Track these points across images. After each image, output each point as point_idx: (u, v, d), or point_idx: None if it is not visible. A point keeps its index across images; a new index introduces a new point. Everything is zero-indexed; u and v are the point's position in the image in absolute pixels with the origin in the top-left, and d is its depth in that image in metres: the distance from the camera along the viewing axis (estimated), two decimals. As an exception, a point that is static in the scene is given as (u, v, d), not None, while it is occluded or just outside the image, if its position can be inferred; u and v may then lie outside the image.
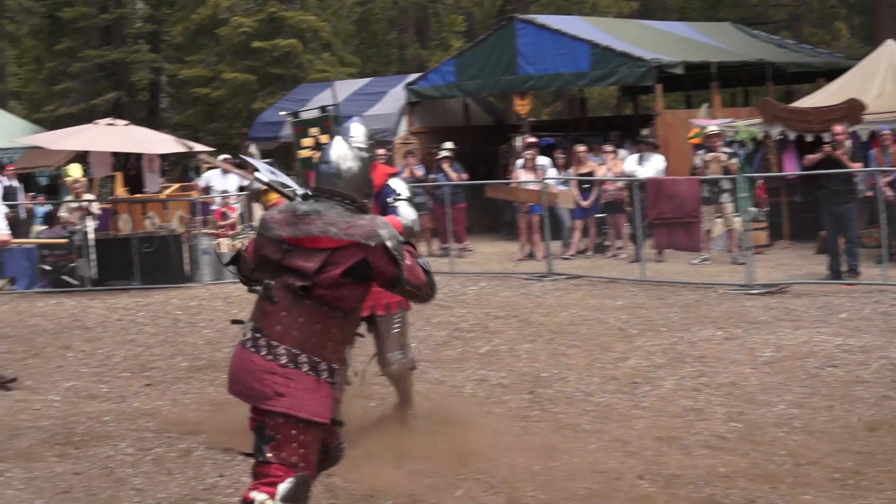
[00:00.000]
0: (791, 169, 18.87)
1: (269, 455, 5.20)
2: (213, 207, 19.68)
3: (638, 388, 9.31)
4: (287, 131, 22.97)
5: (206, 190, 20.56)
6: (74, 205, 18.26)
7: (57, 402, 9.64)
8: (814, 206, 17.54)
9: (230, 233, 18.77)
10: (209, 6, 34.04)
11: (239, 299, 15.76)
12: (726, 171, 17.53)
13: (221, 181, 20.36)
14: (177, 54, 38.11)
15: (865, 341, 10.46)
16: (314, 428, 5.24)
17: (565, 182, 19.36)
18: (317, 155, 18.97)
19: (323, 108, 20.71)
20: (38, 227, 19.59)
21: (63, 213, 18.47)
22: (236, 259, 5.82)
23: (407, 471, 7.09)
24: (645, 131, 21.73)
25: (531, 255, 19.11)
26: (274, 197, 7.39)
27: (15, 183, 20.24)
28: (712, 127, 18.67)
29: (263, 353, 5.23)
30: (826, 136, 17.30)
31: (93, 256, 17.49)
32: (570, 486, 6.71)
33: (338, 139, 5.88)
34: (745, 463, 7.03)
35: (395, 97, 26.22)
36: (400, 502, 6.53)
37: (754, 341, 10.90)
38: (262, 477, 5.22)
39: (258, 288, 5.48)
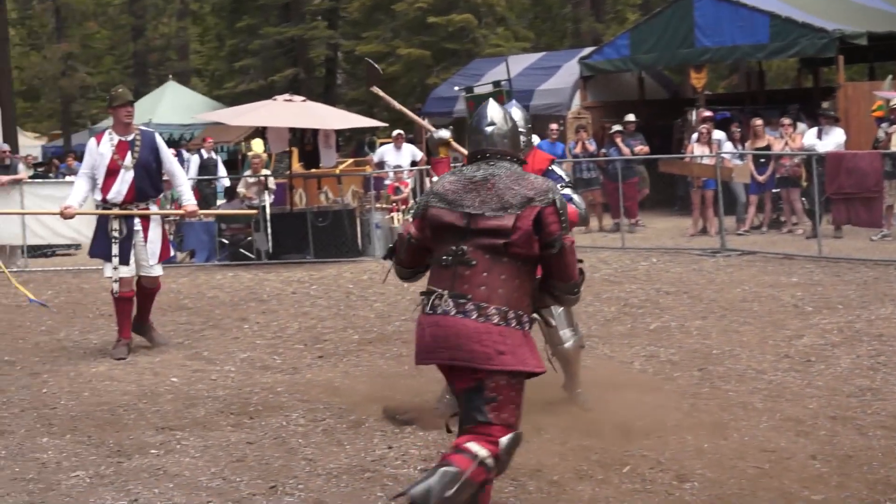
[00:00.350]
0: (980, 142, 18.32)
1: (490, 416, 5.31)
2: (387, 182, 19.93)
3: (812, 367, 9.14)
4: (461, 106, 23.23)
5: (380, 165, 20.84)
6: (252, 179, 18.67)
7: (232, 372, 9.85)
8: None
9: (403, 207, 18.98)
10: (386, -18, 34.39)
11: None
12: (910, 144, 17.12)
13: (395, 156, 20.61)
14: (353, 30, 38.57)
15: None
16: (524, 383, 5.43)
17: (741, 156, 19.10)
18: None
19: (496, 83, 20.98)
20: (218, 202, 20.05)
21: (241, 188, 18.91)
22: (392, 252, 5.99)
23: (573, 446, 7.08)
24: (825, 104, 21.23)
25: (704, 231, 18.93)
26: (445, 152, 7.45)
27: (213, 155, 20.60)
28: (896, 99, 18.25)
29: (474, 317, 5.30)
30: None
31: (269, 230, 17.86)
32: (739, 464, 6.62)
33: (491, 102, 6.01)
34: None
35: (569, 71, 26.16)
36: (566, 477, 6.51)
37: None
38: (480, 436, 5.30)
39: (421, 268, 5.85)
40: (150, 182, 10.69)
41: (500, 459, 5.31)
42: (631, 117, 21.39)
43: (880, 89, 20.26)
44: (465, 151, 6.23)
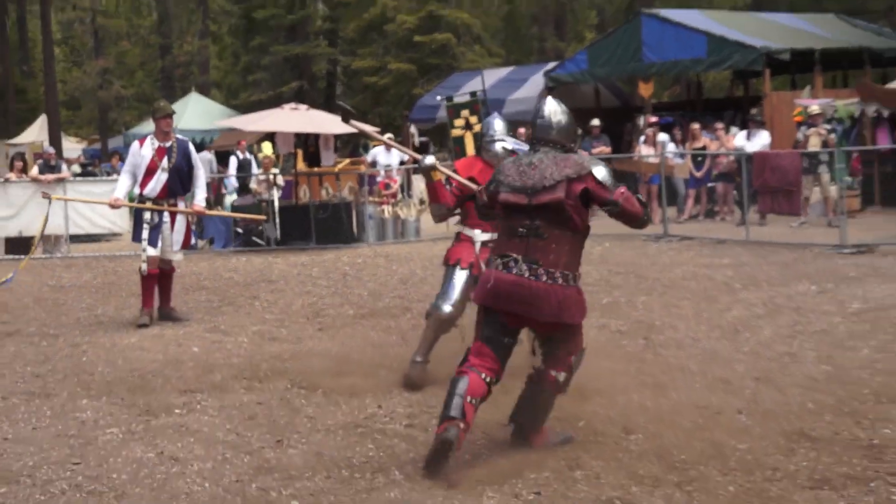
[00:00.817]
0: (884, 142, 18.50)
1: (559, 352, 6.07)
2: (378, 179, 19.92)
3: (740, 336, 9.19)
4: (442, 113, 23.17)
5: (373, 164, 20.82)
6: (262, 177, 18.65)
7: (245, 343, 9.84)
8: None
9: (392, 200, 18.99)
10: (378, 6, 34.41)
11: (398, 257, 16.00)
12: (825, 144, 17.20)
13: (385, 157, 20.60)
14: (350, 48, 38.56)
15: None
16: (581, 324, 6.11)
17: (681, 156, 19.16)
18: (468, 134, 19.21)
19: (473, 94, 20.90)
20: (231, 197, 20.01)
21: (253, 185, 18.90)
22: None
23: (536, 404, 7.12)
24: (753, 111, 21.32)
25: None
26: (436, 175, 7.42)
27: (248, 155, 20.50)
28: (814, 106, 18.33)
29: (544, 279, 5.84)
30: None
31: (277, 221, 17.86)
32: (677, 419, 6.64)
33: (549, 98, 6.42)
34: (832, 400, 6.89)
35: (535, 83, 26.20)
36: (529, 430, 6.54)
37: (844, 294, 10.69)
38: (555, 364, 6.08)
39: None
40: (181, 182, 11.00)
41: (571, 374, 6.17)
42: (596, 122, 21.43)
43: (800, 98, 20.35)
44: (451, 172, 6.33)
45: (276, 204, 18.01)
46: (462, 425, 5.69)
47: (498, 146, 7.97)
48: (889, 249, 13.91)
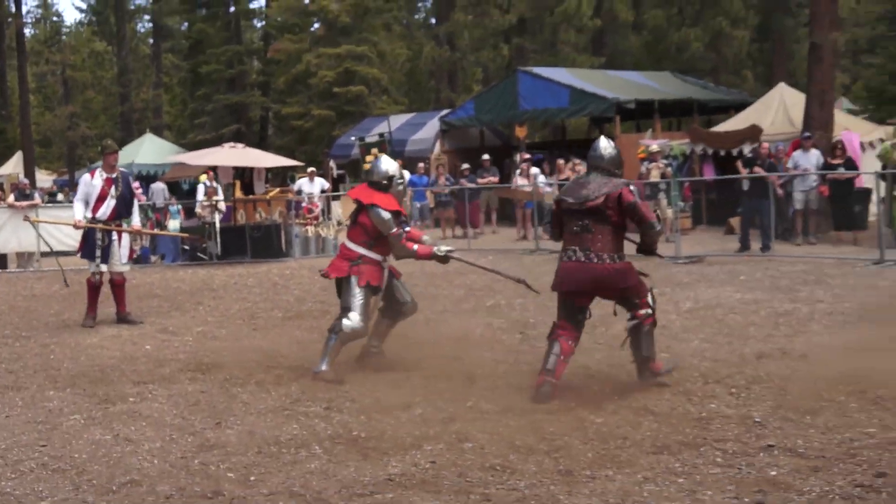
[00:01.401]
0: (709, 174, 18.85)
1: (635, 301, 6.87)
2: (303, 205, 19.73)
3: (597, 330, 9.16)
4: (355, 151, 23.12)
5: (299, 192, 20.60)
6: (206, 203, 18.34)
7: (190, 341, 9.67)
8: (723, 201, 17.45)
9: (315, 222, 18.85)
10: (303, 63, 34.16)
11: (319, 270, 15.80)
12: (663, 176, 17.47)
13: (309, 186, 20.40)
14: (280, 97, 38.20)
15: (757, 296, 10.41)
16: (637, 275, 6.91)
17: (550, 185, 19.31)
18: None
19: (381, 135, 20.95)
20: (174, 221, 19.71)
21: (198, 209, 18.57)
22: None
23: (434, 389, 7.08)
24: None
25: (525, 237, 19.08)
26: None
27: (215, 183, 19.97)
28: (654, 146, 18.61)
29: (595, 262, 6.74)
30: (734, 152, 17.21)
31: (219, 239, 17.60)
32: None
33: (602, 137, 7.37)
34: (670, 382, 6.97)
35: (432, 126, 26.23)
36: (428, 411, 6.51)
37: (679, 297, 10.85)
38: (637, 308, 6.88)
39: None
40: (126, 207, 10.90)
41: (653, 308, 6.94)
42: (486, 157, 21.54)
43: (643, 139, 20.69)
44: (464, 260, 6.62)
45: (218, 225, 17.75)
46: (553, 380, 6.65)
47: (401, 186, 7.98)
48: (714, 260, 14.19)
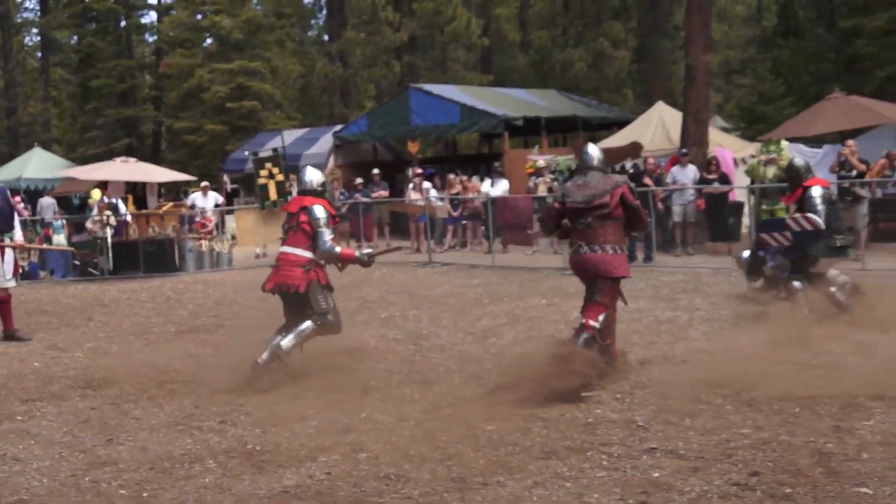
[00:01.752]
0: (594, 189, 19.09)
1: (597, 298, 7.18)
2: (196, 219, 19.34)
3: (488, 340, 9.33)
4: (249, 166, 22.75)
5: (192, 207, 20.18)
6: (97, 218, 17.81)
7: (81, 357, 9.36)
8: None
9: (208, 237, 18.49)
10: (196, 77, 33.57)
11: (213, 283, 15.54)
12: (550, 190, 17.68)
13: (202, 201, 19.99)
14: (173, 111, 37.43)
15: (640, 305, 10.60)
16: (619, 283, 7.30)
17: (441, 199, 19.38)
18: (271, 182, 18.88)
19: (275, 150, 20.68)
20: (59, 236, 19.05)
21: (88, 224, 18.01)
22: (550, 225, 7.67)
23: (329, 400, 7.01)
24: (496, 164, 21.75)
25: (418, 250, 19.08)
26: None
27: (114, 200, 19.18)
28: (541, 161, 18.83)
29: (598, 252, 7.19)
30: (616, 167, 17.56)
31: (110, 254, 17.11)
32: (439, 407, 6.70)
33: (590, 144, 7.95)
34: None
35: (326, 141, 26.01)
36: (323, 422, 6.44)
37: (567, 306, 10.90)
38: (591, 312, 7.18)
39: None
40: (5, 221, 10.51)
41: (601, 325, 7.17)
42: (376, 171, 21.45)
43: (531, 154, 20.92)
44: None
45: (109, 240, 17.23)
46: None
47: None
48: (599, 270, 14.45)
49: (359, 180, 21.11)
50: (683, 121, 17.60)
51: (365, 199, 20.14)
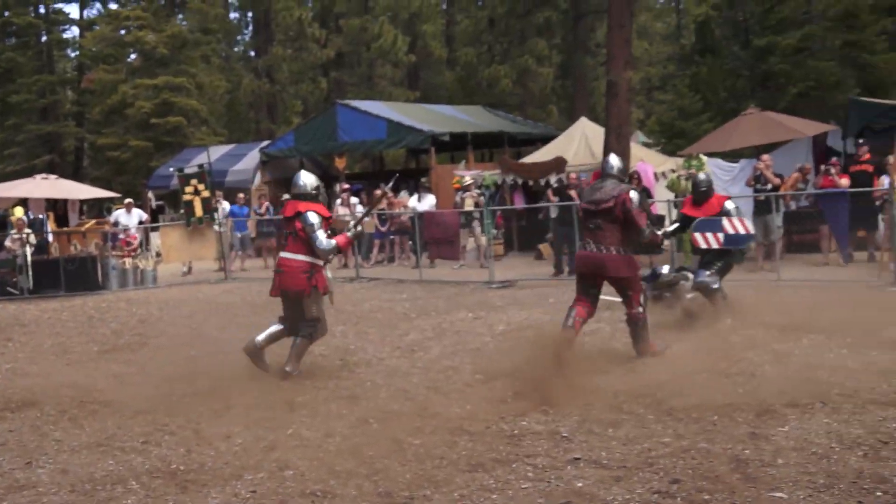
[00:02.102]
0: (519, 203, 19.30)
1: (631, 295, 8.07)
2: (120, 237, 18.96)
3: (415, 354, 9.32)
4: (175, 182, 22.40)
5: (115, 224, 19.78)
6: (17, 236, 17.33)
7: (-1, 379, 9.09)
8: (533, 228, 17.94)
9: (132, 254, 18.14)
10: (119, 93, 32.99)
11: (138, 301, 15.24)
12: (476, 205, 17.82)
13: (126, 218, 19.61)
14: (96, 127, 36.63)
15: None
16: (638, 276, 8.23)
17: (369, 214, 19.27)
18: (196, 199, 18.61)
19: (201, 166, 20.39)
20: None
21: (7, 242, 17.51)
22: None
23: (256, 417, 6.93)
24: (423, 179, 21.88)
25: (346, 265, 18.99)
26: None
27: (41, 216, 18.47)
28: (468, 177, 18.95)
29: (604, 252, 8.00)
30: (542, 182, 17.76)
31: (30, 273, 16.66)
32: (366, 422, 6.67)
33: (612, 154, 8.91)
34: (484, 401, 7.08)
35: (253, 157, 25.82)
36: (248, 440, 6.35)
37: (493, 319, 11.05)
38: (632, 304, 8.11)
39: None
40: None
41: (644, 304, 8.20)
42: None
43: (458, 169, 21.07)
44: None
45: (29, 259, 16.78)
46: (573, 329, 8.05)
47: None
48: (525, 284, 14.56)
49: (286, 196, 20.93)
50: (606, 136, 17.84)
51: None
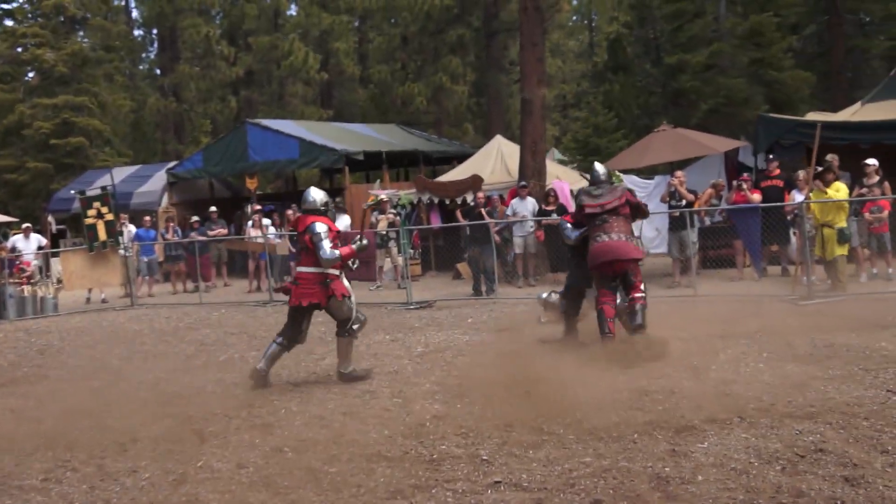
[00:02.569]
0: (436, 222, 19.31)
1: (634, 281, 9.02)
2: (17, 263, 18.37)
3: (331, 379, 9.15)
4: (76, 205, 21.84)
5: (13, 250, 19.15)
6: None
7: None
8: (450, 248, 17.98)
9: (31, 281, 17.59)
10: (16, 113, 32.11)
11: (37, 331, 14.77)
12: (392, 225, 17.79)
13: (24, 244, 19.02)
14: (-9, 149, 35.56)
15: (483, 337, 10.73)
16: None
17: (281, 236, 19.10)
18: (100, 222, 18.13)
19: (104, 188, 19.91)
20: None
21: None
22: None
23: (161, 450, 6.74)
24: (337, 199, 21.71)
25: (259, 289, 18.75)
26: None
27: None
28: (383, 196, 18.82)
29: (616, 239, 9.09)
30: (458, 200, 17.78)
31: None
32: (281, 451, 6.54)
33: (597, 163, 9.86)
34: (402, 426, 7.02)
35: (159, 178, 25.38)
36: (156, 475, 6.16)
37: (411, 341, 11.01)
38: (635, 290, 9.00)
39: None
40: None
41: (645, 289, 9.15)
42: (213, 209, 20.94)
43: (372, 188, 20.97)
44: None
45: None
46: (612, 335, 8.81)
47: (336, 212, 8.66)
48: (443, 304, 14.57)
49: (194, 218, 20.61)
50: (521, 153, 18.05)
51: (201, 238, 19.65)
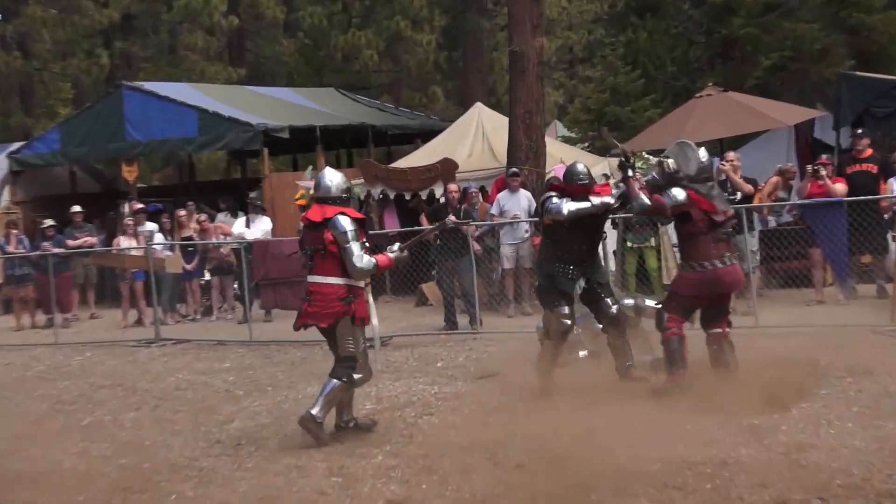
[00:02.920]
0: (392, 225, 19.17)
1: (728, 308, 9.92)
2: None
3: (242, 450, 9.13)
4: None
5: None
6: None
7: None
8: (413, 262, 17.86)
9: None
10: None
11: None
12: (333, 229, 17.66)
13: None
14: None
15: (459, 388, 10.67)
16: None
17: (171, 247, 18.89)
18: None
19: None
20: None
21: None
22: None
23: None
24: (253, 194, 21.56)
25: (140, 321, 18.57)
26: None
27: None
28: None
29: (729, 265, 9.57)
30: (423, 194, 17.77)
31: None
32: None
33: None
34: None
35: (-1, 165, 25.14)
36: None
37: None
38: (724, 322, 9.70)
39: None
40: None
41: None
42: (77, 208, 20.73)
43: (302, 179, 20.84)
44: None
45: None
46: (684, 370, 9.34)
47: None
48: (402, 341, 14.42)
49: (48, 222, 20.41)
50: (511, 128, 18.00)
51: (58, 251, 19.46)
